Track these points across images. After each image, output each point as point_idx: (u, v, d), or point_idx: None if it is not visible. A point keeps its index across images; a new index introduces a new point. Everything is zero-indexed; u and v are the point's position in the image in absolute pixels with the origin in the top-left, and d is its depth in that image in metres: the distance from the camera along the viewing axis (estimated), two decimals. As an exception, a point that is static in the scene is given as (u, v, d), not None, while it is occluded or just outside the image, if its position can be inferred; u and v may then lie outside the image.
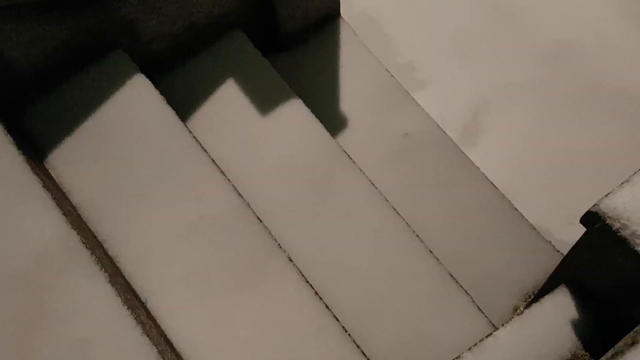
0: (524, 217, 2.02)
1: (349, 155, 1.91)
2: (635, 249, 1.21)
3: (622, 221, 1.22)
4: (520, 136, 2.34)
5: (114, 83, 1.64)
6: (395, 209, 1.85)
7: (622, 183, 1.27)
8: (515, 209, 2.03)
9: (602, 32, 2.45)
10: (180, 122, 1.65)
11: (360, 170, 1.90)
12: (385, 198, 1.86)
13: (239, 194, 1.61)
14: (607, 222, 1.23)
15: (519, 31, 2.49)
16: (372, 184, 1.88)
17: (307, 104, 1.98)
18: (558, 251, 1.97)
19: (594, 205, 1.26)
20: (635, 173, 1.27)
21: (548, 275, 1.76)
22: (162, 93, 1.73)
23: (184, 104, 1.90)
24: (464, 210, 2.02)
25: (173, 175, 1.59)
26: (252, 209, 1.61)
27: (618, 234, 1.22)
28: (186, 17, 1.82)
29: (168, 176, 1.59)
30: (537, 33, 2.47)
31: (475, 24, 2.50)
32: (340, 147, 1.92)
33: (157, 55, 1.88)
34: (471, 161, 2.11)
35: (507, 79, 2.42)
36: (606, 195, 1.26)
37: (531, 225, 2.00)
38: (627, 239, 1.21)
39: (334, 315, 1.50)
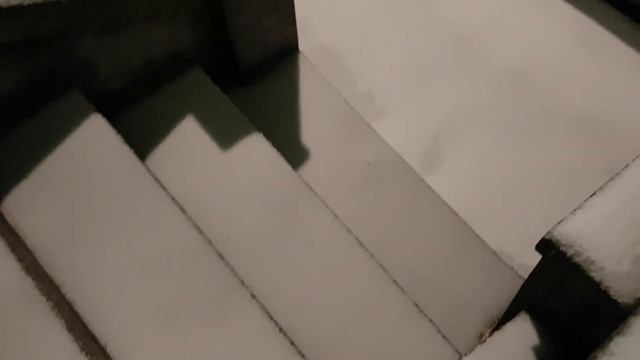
0: (485, 242, 2.05)
1: (311, 187, 1.92)
2: (590, 274, 1.23)
3: (575, 248, 1.25)
4: (480, 161, 2.37)
5: (69, 124, 1.62)
6: (358, 240, 1.86)
7: (574, 210, 1.30)
8: (477, 234, 2.06)
9: (552, 56, 2.52)
10: (138, 160, 1.64)
11: (323, 201, 1.90)
12: (348, 229, 1.87)
13: (200, 231, 1.60)
14: (561, 249, 1.26)
15: (473, 58, 2.55)
16: (335, 215, 1.88)
17: (268, 137, 1.99)
18: (520, 276, 2.00)
19: (547, 233, 1.29)
20: (586, 200, 1.30)
21: (511, 300, 1.78)
22: (120, 131, 1.72)
23: (143, 141, 1.89)
24: (427, 238, 2.03)
25: (132, 215, 1.57)
26: (213, 246, 1.60)
27: (572, 261, 1.25)
28: (143, 55, 1.83)
29: (126, 215, 1.57)
30: (491, 60, 2.54)
31: (431, 53, 2.56)
32: (302, 179, 1.93)
33: (115, 93, 1.87)
34: (432, 189, 2.14)
35: (465, 104, 2.47)
36: (559, 223, 1.29)
37: (493, 250, 2.03)
38: (581, 265, 1.24)
39: (299, 351, 1.49)
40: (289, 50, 2.26)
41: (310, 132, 2.18)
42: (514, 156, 2.37)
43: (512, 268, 2.02)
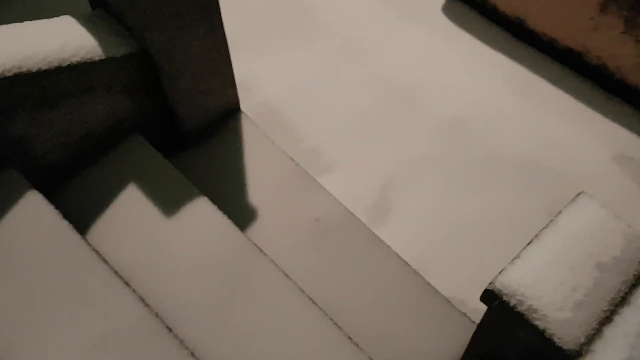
0: (437, 291, 2.06)
1: (260, 249, 1.90)
2: (534, 323, 1.25)
3: (517, 297, 1.26)
4: (427, 209, 2.40)
5: (5, 204, 1.58)
6: (311, 299, 1.84)
7: (514, 259, 1.32)
8: (428, 283, 2.07)
9: (490, 104, 2.60)
10: (79, 236, 1.60)
11: (273, 262, 1.89)
12: (300, 288, 1.86)
13: (146, 304, 1.56)
14: (504, 299, 1.27)
15: (415, 110, 2.61)
16: (287, 275, 1.87)
17: (214, 200, 1.98)
18: (473, 322, 2.01)
19: (490, 284, 1.30)
20: (524, 248, 1.33)
21: (465, 347, 1.78)
22: (60, 205, 1.68)
23: (85, 214, 1.85)
24: (380, 291, 2.03)
25: (74, 293, 1.53)
26: (161, 318, 1.56)
27: (516, 310, 1.26)
28: (81, 127, 1.81)
29: (69, 294, 1.53)
30: (432, 110, 2.60)
31: (373, 107, 2.61)
32: (251, 241, 1.91)
33: (53, 167, 1.84)
34: (382, 241, 2.15)
35: (410, 155, 2.51)
36: (500, 273, 1.31)
37: (445, 298, 2.04)
38: (524, 314, 1.25)
39: (254, 422, 1.45)
40: (231, 112, 2.27)
41: (257, 191, 2.18)
42: (460, 203, 2.41)
43: (465, 314, 2.03)
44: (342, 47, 2.74)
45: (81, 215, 1.85)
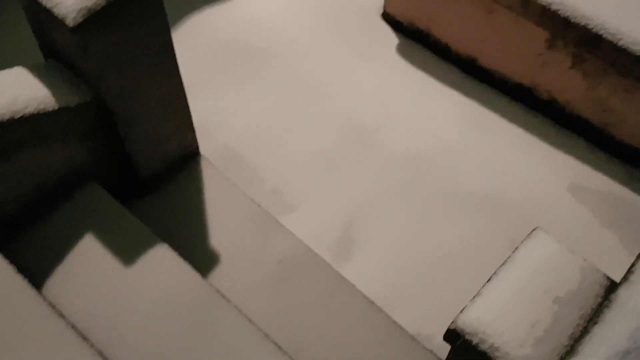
0: (403, 328, 2.05)
1: (222, 294, 1.88)
2: (496, 360, 1.25)
3: (479, 335, 1.27)
4: (390, 245, 2.42)
5: (-46, 261, 1.53)
6: (276, 343, 1.82)
7: (474, 297, 1.34)
8: (394, 321, 2.06)
9: (447, 140, 2.65)
10: (34, 291, 1.56)
11: (236, 307, 1.87)
12: (265, 333, 1.83)
13: (105, 358, 1.52)
14: (466, 338, 1.28)
15: (374, 146, 2.64)
16: (250, 320, 1.85)
17: (175, 246, 1.96)
18: (439, 358, 2.01)
19: (452, 323, 1.31)
20: (483, 286, 1.34)
21: (432, 386, 1.78)
22: (14, 259, 1.64)
23: (41, 266, 1.81)
24: (345, 332, 2.02)
25: (29, 351, 1.47)
26: (121, 372, 1.52)
27: (478, 349, 1.27)
28: (34, 178, 1.78)
29: (23, 351, 1.47)
30: (391, 146, 2.63)
31: (333, 144, 2.63)
32: (213, 287, 1.89)
33: (6, 218, 1.79)
34: (346, 280, 2.14)
35: (371, 191, 2.53)
36: (462, 311, 1.32)
37: (411, 336, 2.04)
38: (487, 352, 1.26)
39: None
40: (190, 156, 2.26)
41: (218, 235, 2.16)
42: (422, 237, 2.43)
43: (431, 351, 2.03)
44: (299, 86, 2.76)
45: (37, 268, 1.80)
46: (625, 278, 1.34)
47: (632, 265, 1.42)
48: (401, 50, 2.91)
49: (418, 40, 2.92)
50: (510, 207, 2.48)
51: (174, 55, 1.86)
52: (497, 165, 2.58)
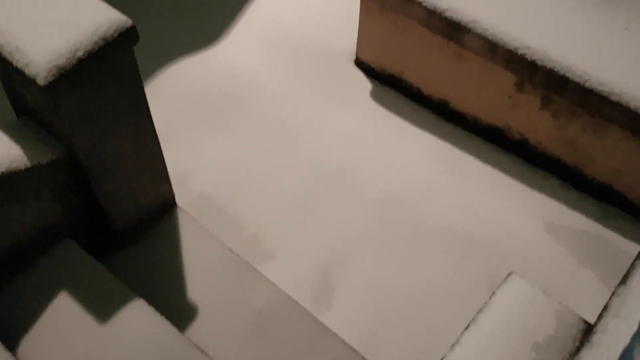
0: (385, 376, 2.03)
1: (201, 349, 1.85)
2: (477, 410, 1.24)
3: (459, 385, 1.26)
4: (369, 288, 2.41)
5: None
6: (256, 397, 1.79)
7: (453, 345, 1.33)
8: (376, 368, 2.04)
9: (422, 182, 2.67)
10: (8, 353, 1.52)
11: (215, 361, 1.84)
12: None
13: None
14: (446, 388, 1.27)
15: (351, 189, 2.65)
16: (229, 373, 1.81)
17: (152, 300, 1.93)
18: (423, 405, 1.98)
19: (431, 373, 1.30)
20: (462, 334, 1.34)
21: None
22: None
23: (15, 326, 1.77)
24: (327, 381, 1.99)
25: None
26: None
27: (459, 399, 1.26)
28: (5, 237, 1.75)
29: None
30: (367, 189, 2.65)
31: (310, 188, 2.64)
32: (191, 341, 1.86)
33: (-22, 279, 1.76)
34: (327, 327, 2.12)
35: (349, 234, 2.53)
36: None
37: (393, 383, 2.01)
38: (467, 402, 1.25)
39: None
40: (165, 207, 2.25)
41: (196, 287, 2.14)
42: (401, 280, 2.42)
43: (415, 398, 2.00)
44: (275, 132, 2.78)
45: (10, 328, 1.76)
46: (599, 318, 1.34)
47: (606, 305, 1.43)
48: (374, 94, 2.96)
49: (391, 84, 2.98)
50: (487, 247, 2.49)
51: (147, 108, 1.87)
52: (473, 206, 2.60)
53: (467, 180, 2.68)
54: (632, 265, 1.43)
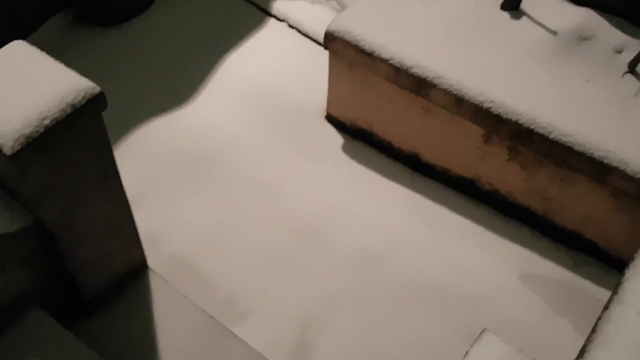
0: None
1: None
2: None
3: None
4: (347, 347, 2.37)
5: None
6: None
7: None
8: None
9: (396, 235, 2.68)
10: None
11: None
12: None
13: None
14: None
15: (326, 245, 2.64)
16: None
17: (123, 367, 1.88)
18: None
19: None
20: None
21: None
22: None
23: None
24: None
25: None
26: None
27: None
28: (-29, 309, 1.70)
29: None
30: (341, 244, 2.64)
31: (285, 246, 2.62)
32: (164, 409, 1.81)
33: (-60, 354, 1.70)
34: (304, 389, 2.08)
35: (325, 292, 2.51)
36: None
37: None
38: None
39: None
40: (137, 270, 2.22)
41: (170, 352, 2.09)
42: (378, 336, 2.40)
43: None
44: (248, 189, 2.78)
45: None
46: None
47: (579, 355, 1.44)
48: (346, 149, 2.99)
49: (362, 138, 3.01)
50: (464, 301, 2.49)
51: (117, 172, 1.86)
52: (448, 259, 2.61)
53: (440, 232, 2.69)
54: (600, 316, 1.45)
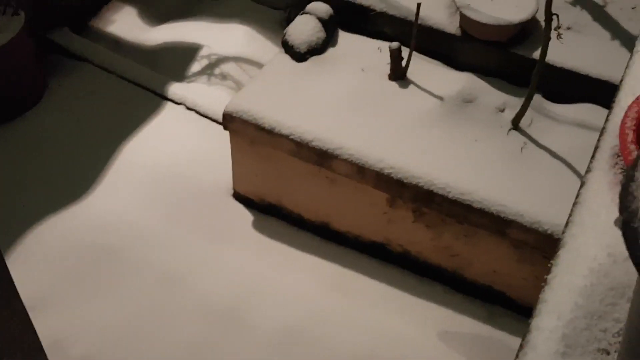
0: None
1: None
2: None
3: None
4: None
5: None
6: None
7: None
8: None
9: (315, 307, 2.65)
10: None
11: None
12: None
13: None
14: None
15: (245, 328, 2.57)
16: None
17: None
18: None
19: None
20: None
21: None
22: None
23: None
24: None
25: None
26: None
27: None
28: None
29: None
30: (260, 325, 2.58)
31: (201, 335, 2.52)
32: None
33: None
34: None
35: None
36: None
37: None
38: None
39: None
40: (42, 382, 2.06)
41: None
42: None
43: None
44: (159, 279, 2.68)
45: None
46: None
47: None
48: (256, 225, 2.97)
49: (271, 213, 3.01)
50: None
51: (9, 281, 1.74)
52: (367, 326, 2.60)
53: (357, 299, 2.69)
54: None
